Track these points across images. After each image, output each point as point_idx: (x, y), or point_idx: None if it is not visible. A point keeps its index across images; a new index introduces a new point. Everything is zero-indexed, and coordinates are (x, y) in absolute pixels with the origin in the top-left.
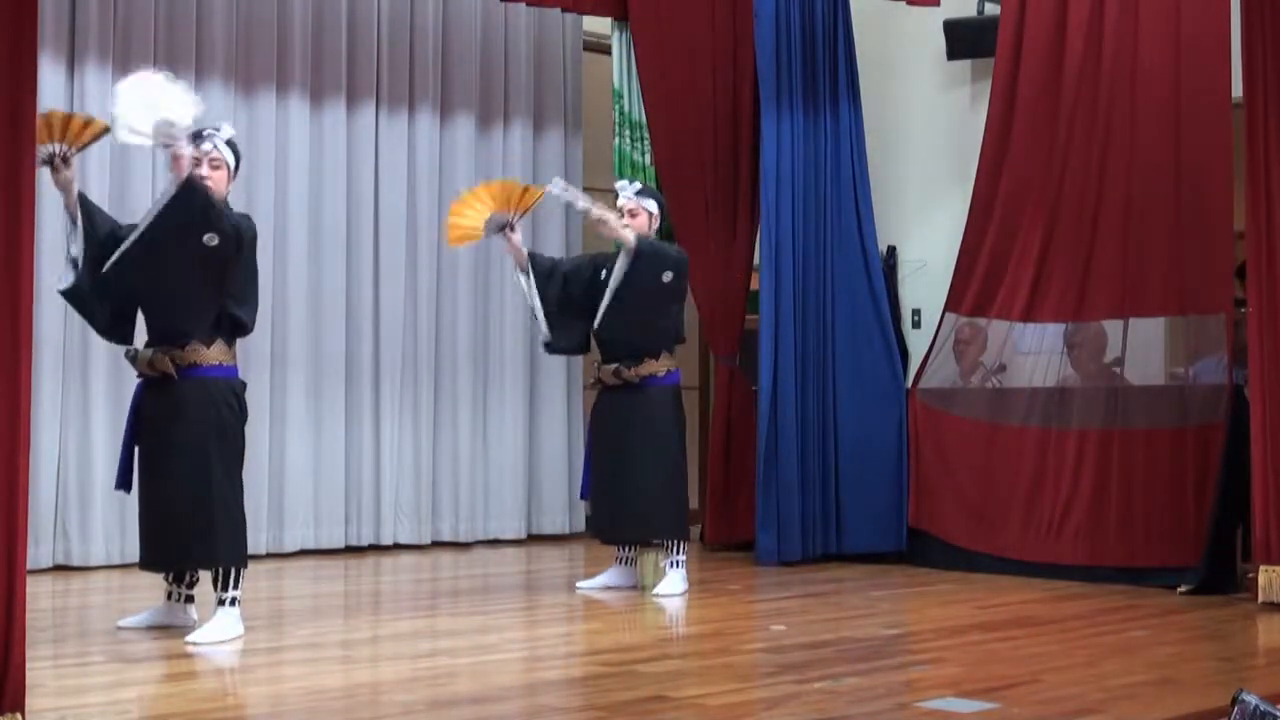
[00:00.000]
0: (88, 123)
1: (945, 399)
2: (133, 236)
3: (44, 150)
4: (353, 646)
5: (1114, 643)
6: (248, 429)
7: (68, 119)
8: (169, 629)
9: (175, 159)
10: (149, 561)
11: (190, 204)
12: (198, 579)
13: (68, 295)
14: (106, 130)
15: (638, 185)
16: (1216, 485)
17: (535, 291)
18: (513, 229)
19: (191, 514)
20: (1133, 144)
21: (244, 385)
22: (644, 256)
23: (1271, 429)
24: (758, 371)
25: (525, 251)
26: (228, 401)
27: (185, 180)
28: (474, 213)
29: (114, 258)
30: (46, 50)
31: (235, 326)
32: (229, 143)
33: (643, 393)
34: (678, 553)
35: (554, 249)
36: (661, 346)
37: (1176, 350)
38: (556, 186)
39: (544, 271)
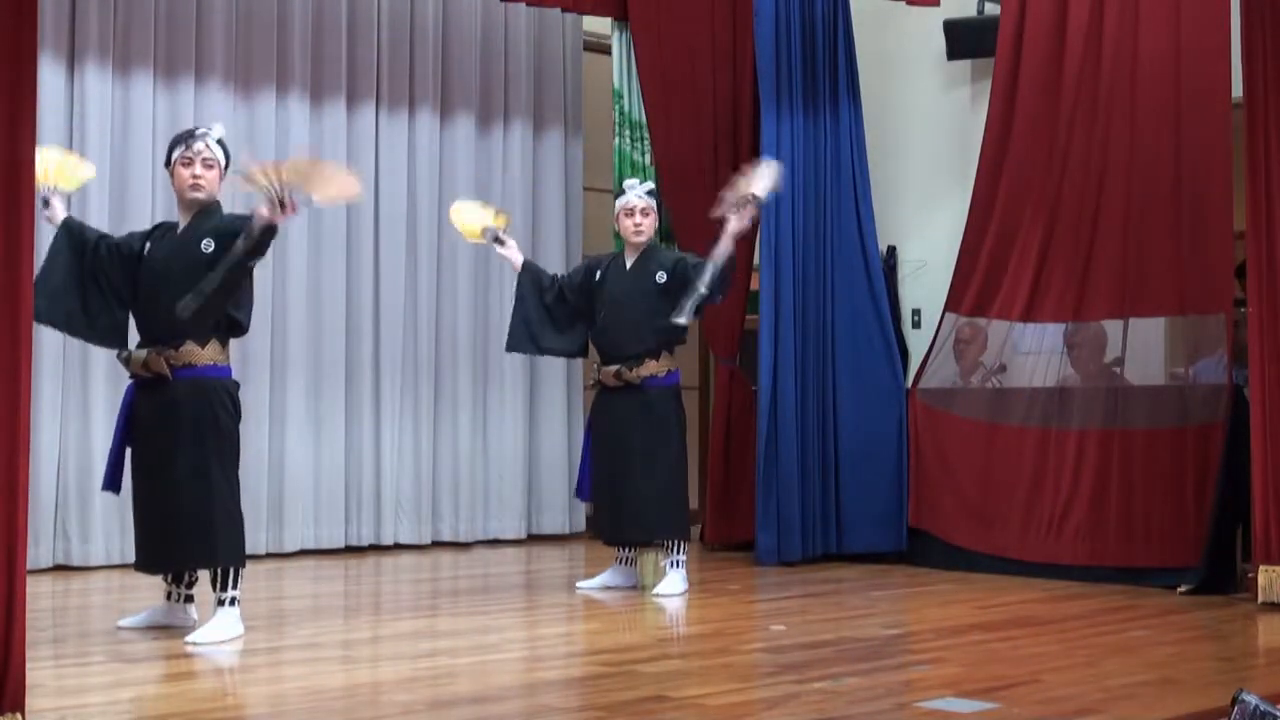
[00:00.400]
0: (74, 170)
1: (945, 399)
2: (216, 279)
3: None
4: (353, 646)
5: (1114, 643)
6: (248, 429)
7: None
8: (169, 629)
9: (272, 211)
10: (147, 563)
11: (265, 243)
12: (196, 579)
13: None
14: (89, 178)
15: (649, 185)
16: (1216, 485)
17: (519, 294)
18: (502, 241)
19: (191, 514)
20: (1133, 144)
21: (237, 385)
22: (729, 270)
23: (1271, 429)
24: (758, 371)
25: (520, 260)
26: (223, 401)
27: (273, 225)
28: (469, 221)
29: (194, 299)
30: (46, 50)
31: (232, 326)
32: (219, 142)
33: (643, 393)
34: (678, 552)
35: (554, 256)
36: (662, 347)
37: (1176, 350)
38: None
39: (544, 282)
